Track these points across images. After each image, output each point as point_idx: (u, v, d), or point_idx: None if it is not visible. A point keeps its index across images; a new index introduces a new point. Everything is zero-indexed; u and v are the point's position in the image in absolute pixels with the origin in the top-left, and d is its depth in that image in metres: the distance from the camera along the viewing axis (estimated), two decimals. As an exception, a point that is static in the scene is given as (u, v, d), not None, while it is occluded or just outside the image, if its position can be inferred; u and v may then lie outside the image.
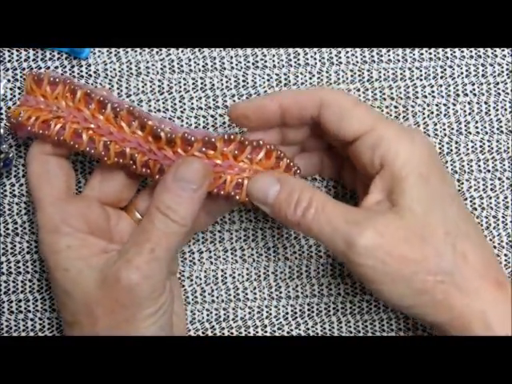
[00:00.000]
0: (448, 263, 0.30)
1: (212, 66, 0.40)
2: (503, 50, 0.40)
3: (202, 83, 0.40)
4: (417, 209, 0.30)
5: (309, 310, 0.40)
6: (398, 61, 0.40)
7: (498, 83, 0.40)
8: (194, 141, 0.33)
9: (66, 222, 0.34)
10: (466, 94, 0.40)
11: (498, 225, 0.40)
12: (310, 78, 0.40)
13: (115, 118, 0.34)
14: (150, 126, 0.33)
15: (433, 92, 0.40)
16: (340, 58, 0.40)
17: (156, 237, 0.32)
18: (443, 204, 0.31)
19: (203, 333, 0.40)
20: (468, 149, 0.40)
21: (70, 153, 0.36)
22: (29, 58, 0.40)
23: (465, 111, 0.40)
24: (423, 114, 0.40)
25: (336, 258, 0.32)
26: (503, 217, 0.40)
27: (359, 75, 0.40)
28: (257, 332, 0.40)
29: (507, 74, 0.40)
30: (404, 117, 0.40)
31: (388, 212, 0.31)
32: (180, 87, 0.40)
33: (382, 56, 0.40)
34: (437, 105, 0.40)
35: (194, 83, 0.40)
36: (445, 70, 0.40)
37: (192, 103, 0.40)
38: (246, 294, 0.40)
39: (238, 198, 0.33)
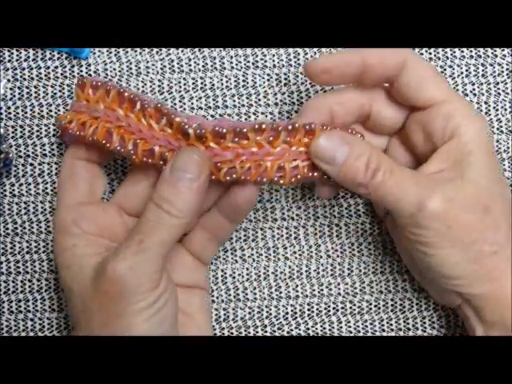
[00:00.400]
0: (503, 236, 0.32)
1: (212, 66, 0.40)
2: (503, 50, 0.40)
3: (201, 83, 0.40)
4: (482, 181, 0.32)
5: (309, 310, 0.40)
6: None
7: (498, 83, 0.40)
8: (226, 133, 0.32)
9: (76, 223, 0.34)
10: (466, 94, 0.40)
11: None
12: (310, 78, 0.40)
13: (144, 116, 0.33)
14: (178, 123, 0.32)
15: (433, 92, 0.40)
16: (340, 57, 0.40)
17: (146, 228, 0.31)
18: (501, 183, 0.33)
19: (203, 333, 0.40)
20: (468, 149, 0.40)
21: (105, 159, 0.37)
22: (29, 57, 0.40)
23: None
24: (423, 113, 0.40)
25: (400, 222, 0.32)
26: (503, 217, 0.40)
27: (359, 75, 0.40)
28: (257, 332, 0.40)
29: (507, 74, 0.40)
30: (404, 117, 0.40)
31: (454, 181, 0.32)
32: (180, 87, 0.40)
33: (381, 56, 0.40)
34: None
35: (193, 83, 0.40)
36: (445, 70, 0.40)
37: (192, 103, 0.40)
38: (246, 294, 0.40)
39: (282, 182, 0.33)
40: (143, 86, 0.40)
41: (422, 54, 0.40)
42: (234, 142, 0.32)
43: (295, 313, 0.40)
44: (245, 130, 0.32)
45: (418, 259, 0.33)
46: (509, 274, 0.32)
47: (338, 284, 0.40)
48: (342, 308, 0.40)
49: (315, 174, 0.33)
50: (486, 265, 0.31)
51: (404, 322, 0.39)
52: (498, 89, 0.40)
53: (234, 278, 0.40)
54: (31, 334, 0.39)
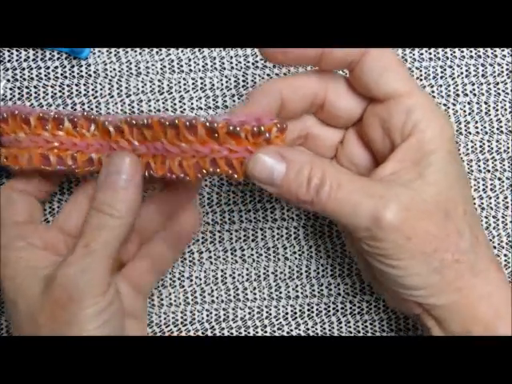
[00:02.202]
0: (466, 242, 0.30)
1: (212, 66, 0.40)
2: (503, 50, 0.40)
3: (201, 83, 0.40)
4: (442, 183, 0.30)
5: (309, 310, 0.40)
6: None
7: (497, 83, 0.40)
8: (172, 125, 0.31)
9: (20, 237, 0.34)
10: (466, 94, 0.40)
11: (497, 225, 0.40)
12: (310, 78, 0.40)
13: (75, 129, 0.34)
14: (101, 123, 0.33)
15: (433, 92, 0.40)
16: (340, 58, 0.40)
17: (90, 232, 0.31)
18: (463, 183, 0.31)
19: (203, 333, 0.40)
20: (468, 149, 0.40)
21: (44, 194, 0.37)
22: (29, 57, 0.40)
23: (465, 111, 0.40)
24: (423, 114, 0.40)
25: (356, 236, 0.30)
26: (503, 217, 0.40)
27: (359, 75, 0.40)
28: (257, 332, 0.40)
29: (507, 74, 0.40)
30: (404, 117, 0.40)
31: (411, 183, 0.29)
32: (180, 87, 0.40)
33: (381, 56, 0.40)
34: (437, 105, 0.40)
35: (193, 83, 0.40)
36: (445, 70, 0.40)
37: (192, 103, 0.40)
38: (246, 294, 0.40)
39: (237, 176, 0.31)
40: (143, 86, 0.40)
41: (421, 54, 0.40)
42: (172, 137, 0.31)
43: (295, 313, 0.40)
44: (176, 122, 0.31)
45: (375, 268, 0.31)
46: (473, 283, 0.30)
47: (338, 284, 0.40)
48: (342, 308, 0.40)
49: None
50: (448, 274, 0.29)
51: (404, 322, 0.39)
52: (498, 89, 0.40)
53: (233, 278, 0.40)
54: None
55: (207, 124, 0.30)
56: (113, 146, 0.33)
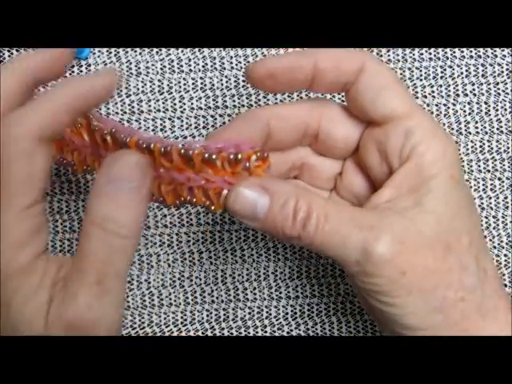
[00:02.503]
0: (471, 278, 0.27)
1: (212, 66, 0.40)
2: (503, 50, 0.40)
3: (201, 83, 0.40)
4: (443, 212, 0.27)
5: (309, 310, 0.40)
6: (398, 61, 0.40)
7: (497, 83, 0.40)
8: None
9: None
10: (466, 94, 0.40)
11: (497, 225, 0.40)
12: (310, 78, 0.40)
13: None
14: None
15: (433, 92, 0.40)
16: (340, 58, 0.40)
17: (98, 262, 0.25)
18: (468, 211, 0.28)
19: (203, 333, 0.40)
20: (468, 149, 0.40)
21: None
22: (29, 58, 0.40)
23: (465, 111, 0.40)
24: (423, 114, 0.40)
25: (347, 271, 0.28)
26: (503, 217, 0.40)
27: (359, 75, 0.40)
28: (257, 332, 0.40)
29: (507, 74, 0.40)
30: (404, 117, 0.40)
31: (408, 212, 0.27)
32: (180, 87, 0.40)
33: (381, 56, 0.40)
34: (437, 105, 0.40)
35: (193, 83, 0.40)
36: (445, 69, 0.40)
37: (192, 103, 0.40)
38: (246, 294, 0.40)
39: (214, 208, 0.29)
40: (143, 86, 0.40)
41: (421, 54, 0.40)
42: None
43: (295, 313, 0.40)
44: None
45: (372, 307, 0.28)
46: (481, 326, 0.27)
47: (338, 284, 0.40)
48: (342, 308, 0.40)
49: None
50: (452, 314, 0.27)
51: (404, 322, 0.39)
52: (498, 89, 0.40)
53: (233, 278, 0.40)
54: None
55: (182, 151, 0.27)
56: (101, 154, 0.30)
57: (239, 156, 0.27)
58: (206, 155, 0.27)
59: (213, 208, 0.28)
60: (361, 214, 0.27)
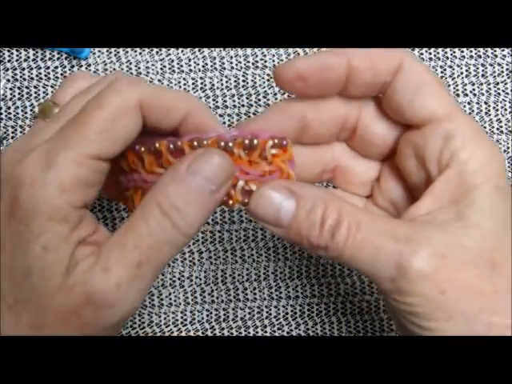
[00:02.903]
0: None
1: (212, 66, 0.40)
2: (503, 50, 0.40)
3: (201, 83, 0.40)
4: (489, 226, 0.24)
5: (309, 310, 0.40)
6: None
7: (497, 83, 0.40)
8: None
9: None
10: (466, 94, 0.40)
11: None
12: (310, 78, 0.40)
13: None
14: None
15: (433, 92, 0.40)
16: (340, 58, 0.40)
17: (146, 245, 0.24)
18: None
19: (203, 333, 0.40)
20: (468, 149, 0.40)
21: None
22: (29, 57, 0.40)
23: (465, 111, 0.40)
24: (423, 114, 0.40)
25: (380, 288, 0.25)
26: (503, 217, 0.40)
27: (359, 75, 0.40)
28: (257, 332, 0.40)
29: (507, 74, 0.40)
30: (404, 117, 0.40)
31: (449, 226, 0.24)
32: (180, 87, 0.40)
33: (381, 56, 0.40)
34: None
35: (193, 83, 0.40)
36: (445, 69, 0.40)
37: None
38: (246, 294, 0.40)
39: (231, 202, 0.27)
40: (143, 86, 0.40)
41: (421, 54, 0.40)
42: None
43: (295, 313, 0.40)
44: (179, 143, 0.26)
45: (408, 331, 0.26)
46: None
47: (338, 284, 0.40)
48: (342, 308, 0.40)
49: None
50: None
51: (404, 322, 0.40)
52: (498, 89, 0.40)
53: (233, 278, 0.40)
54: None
55: (195, 143, 0.25)
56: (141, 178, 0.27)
57: (254, 142, 0.26)
58: (222, 143, 0.25)
59: (230, 203, 0.26)
60: (397, 226, 0.25)
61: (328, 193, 0.26)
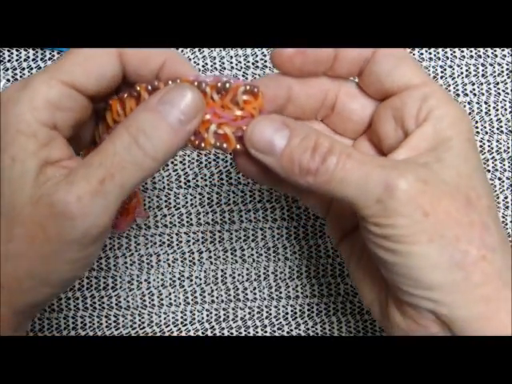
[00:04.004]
0: (493, 238, 0.25)
1: (212, 66, 0.40)
2: (503, 50, 0.40)
3: (201, 83, 0.40)
4: (464, 169, 0.26)
5: (309, 310, 0.40)
6: None
7: (497, 83, 0.40)
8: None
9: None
10: (466, 94, 0.40)
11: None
12: (310, 78, 0.40)
13: None
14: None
15: (433, 92, 0.40)
16: (340, 58, 0.40)
17: (111, 163, 0.25)
18: (484, 177, 0.28)
19: (203, 333, 0.40)
20: (468, 149, 0.40)
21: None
22: (29, 57, 0.40)
23: (465, 111, 0.40)
24: (423, 114, 0.40)
25: (364, 214, 0.26)
26: (503, 217, 0.40)
27: (359, 75, 0.40)
28: (257, 332, 0.40)
29: (507, 74, 0.40)
30: (404, 117, 0.40)
31: (430, 165, 0.26)
32: (180, 87, 0.40)
33: (381, 56, 0.40)
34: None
35: (193, 83, 0.40)
36: (445, 69, 0.40)
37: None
38: (246, 294, 0.40)
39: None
40: (143, 86, 0.40)
41: (421, 54, 0.40)
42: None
43: (295, 313, 0.40)
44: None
45: (385, 265, 0.26)
46: (504, 296, 0.25)
47: (338, 284, 0.40)
48: (342, 308, 0.40)
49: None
50: (473, 274, 0.25)
51: (404, 322, 0.39)
52: (498, 89, 0.40)
53: (233, 277, 0.40)
54: (31, 334, 0.39)
55: (169, 82, 0.27)
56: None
57: (227, 85, 0.27)
58: (196, 83, 0.27)
59: (203, 145, 0.27)
60: (384, 159, 0.27)
61: (320, 131, 0.28)
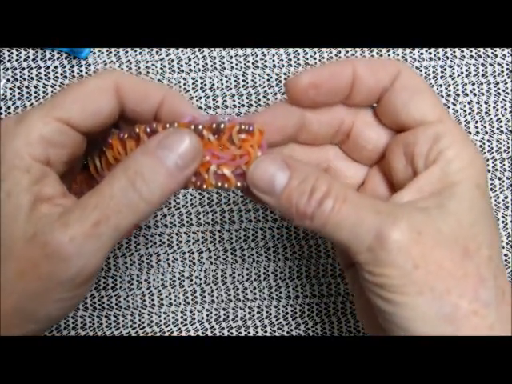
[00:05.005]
0: (488, 292, 0.25)
1: (212, 65, 0.40)
2: (503, 50, 0.40)
3: (201, 83, 0.40)
4: (465, 217, 0.26)
5: (309, 310, 0.40)
6: (398, 61, 0.40)
7: (498, 83, 0.40)
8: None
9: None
10: (466, 94, 0.40)
11: (498, 225, 0.40)
12: (310, 78, 0.40)
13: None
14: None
15: (433, 92, 0.40)
16: (340, 57, 0.40)
17: (107, 205, 0.25)
18: (490, 225, 0.27)
19: (203, 333, 0.40)
20: (468, 149, 0.40)
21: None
22: (29, 57, 0.40)
23: (465, 111, 0.40)
24: (423, 113, 0.40)
25: (356, 260, 0.26)
26: (503, 217, 0.40)
27: (359, 75, 0.40)
28: (257, 332, 0.40)
29: (507, 74, 0.40)
30: (404, 117, 0.40)
31: (429, 210, 0.26)
32: (180, 87, 0.40)
33: (382, 56, 0.40)
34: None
35: (193, 83, 0.40)
36: (445, 69, 0.40)
37: (192, 103, 0.40)
38: (246, 294, 0.40)
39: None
40: (143, 86, 0.40)
41: (421, 54, 0.40)
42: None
43: (295, 313, 0.40)
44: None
45: (378, 311, 0.27)
46: None
47: (338, 284, 0.40)
48: (342, 308, 0.40)
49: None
50: (463, 328, 0.25)
51: (404, 322, 0.39)
52: (498, 89, 0.40)
53: (233, 277, 0.40)
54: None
55: (167, 125, 0.27)
56: None
57: (221, 126, 0.27)
58: (192, 126, 0.27)
59: (204, 187, 0.28)
60: (381, 203, 0.26)
61: (320, 171, 0.28)
